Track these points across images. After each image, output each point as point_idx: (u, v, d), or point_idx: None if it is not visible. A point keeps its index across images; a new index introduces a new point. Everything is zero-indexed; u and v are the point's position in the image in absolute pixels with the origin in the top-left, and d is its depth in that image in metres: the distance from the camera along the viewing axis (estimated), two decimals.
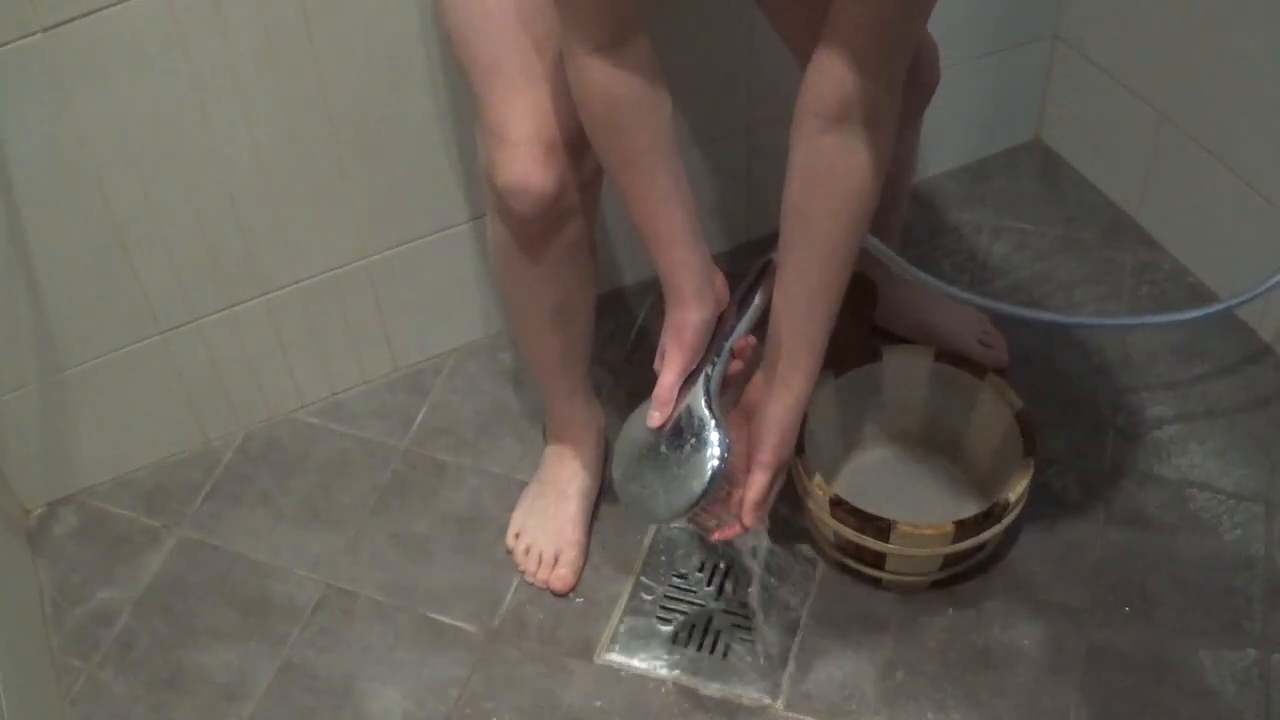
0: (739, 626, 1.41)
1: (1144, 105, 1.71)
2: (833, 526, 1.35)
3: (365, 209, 1.52)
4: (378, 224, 1.55)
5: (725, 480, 1.15)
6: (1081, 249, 1.77)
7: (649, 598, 1.44)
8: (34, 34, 1.23)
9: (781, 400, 1.18)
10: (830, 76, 1.00)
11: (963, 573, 1.40)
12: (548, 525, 1.46)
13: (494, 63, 1.14)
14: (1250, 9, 1.49)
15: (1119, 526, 1.45)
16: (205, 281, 1.49)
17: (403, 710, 1.36)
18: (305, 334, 1.60)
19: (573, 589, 1.45)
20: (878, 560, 1.36)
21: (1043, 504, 1.47)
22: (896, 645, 1.37)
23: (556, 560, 1.45)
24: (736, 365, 1.18)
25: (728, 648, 1.39)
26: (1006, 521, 1.34)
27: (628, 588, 1.45)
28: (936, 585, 1.41)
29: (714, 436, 1.12)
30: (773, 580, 1.44)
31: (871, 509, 1.33)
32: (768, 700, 1.34)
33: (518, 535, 1.48)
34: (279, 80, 1.37)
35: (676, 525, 1.16)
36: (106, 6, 1.24)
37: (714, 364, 1.16)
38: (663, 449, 1.15)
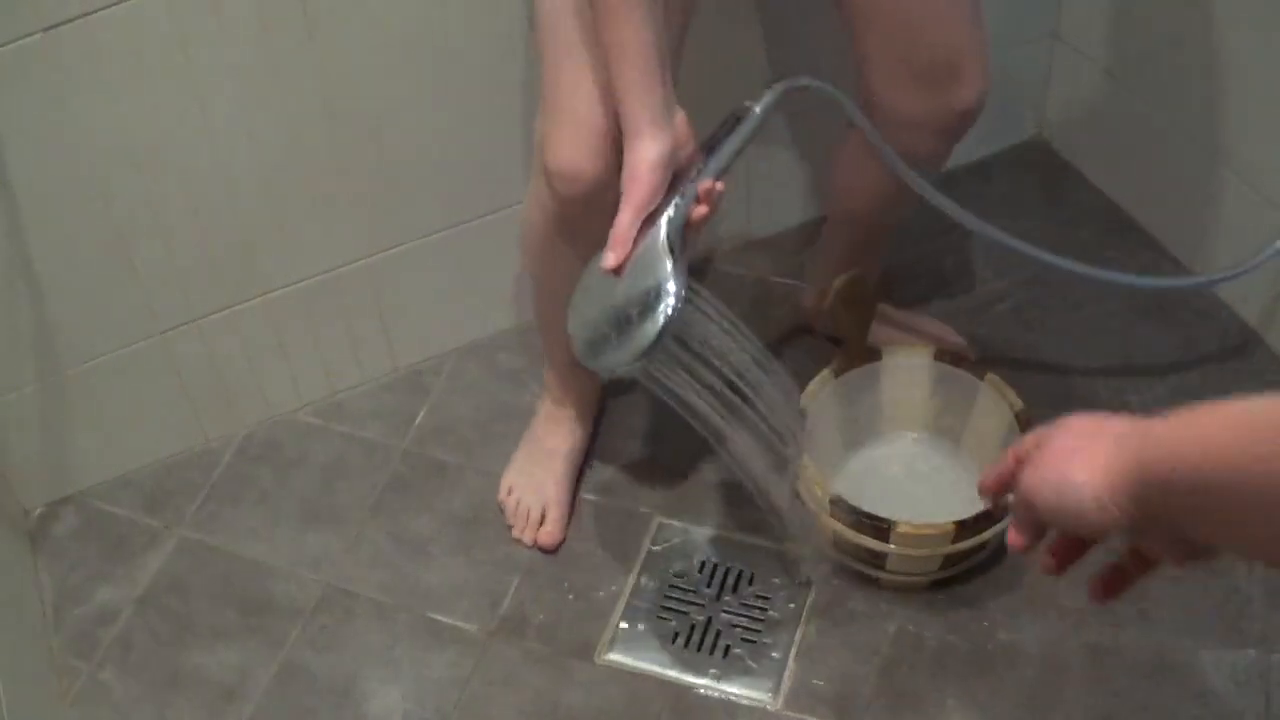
0: (739, 626, 1.41)
1: (1144, 105, 1.71)
2: (833, 526, 1.35)
3: (365, 209, 1.52)
4: (378, 224, 1.55)
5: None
6: (1081, 249, 1.77)
7: (649, 598, 1.44)
8: (34, 34, 1.23)
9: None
10: None
11: (963, 573, 1.40)
12: (535, 483, 1.51)
13: (568, 42, 1.13)
14: (1250, 9, 1.49)
15: None
16: (205, 281, 1.49)
17: (403, 710, 1.36)
18: (305, 334, 1.60)
19: (560, 544, 1.48)
20: (878, 560, 1.36)
21: None
22: (896, 645, 1.37)
23: (544, 518, 1.49)
24: (701, 210, 1.09)
25: (728, 648, 1.39)
26: (1006, 521, 1.33)
27: (628, 588, 1.45)
28: (936, 585, 1.41)
29: (670, 279, 1.04)
30: (773, 580, 1.44)
31: (871, 509, 1.33)
32: (768, 700, 1.34)
33: (509, 492, 1.52)
34: (279, 80, 1.37)
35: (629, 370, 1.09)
36: (106, 6, 1.24)
37: (676, 205, 1.08)
38: (618, 293, 1.07)
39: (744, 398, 1.19)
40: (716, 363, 1.15)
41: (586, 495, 1.54)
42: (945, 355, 1.47)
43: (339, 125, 1.43)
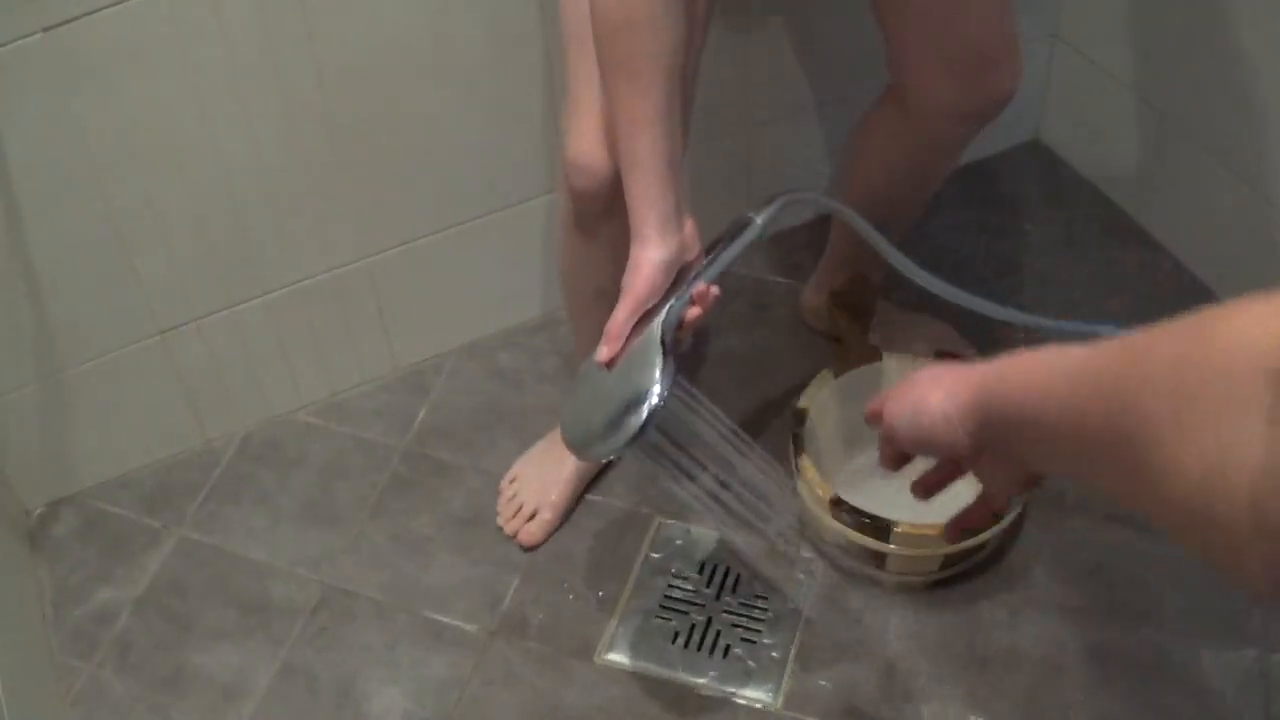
0: (739, 626, 1.41)
1: (1144, 105, 1.71)
2: (833, 526, 1.35)
3: (365, 209, 1.52)
4: (378, 224, 1.55)
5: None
6: (1081, 249, 1.77)
7: (649, 598, 1.44)
8: (34, 34, 1.23)
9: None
10: None
11: (963, 573, 1.40)
12: (539, 481, 1.51)
13: (582, 41, 1.16)
14: (1251, 9, 1.49)
15: (1119, 526, 1.45)
16: (205, 281, 1.49)
17: (403, 710, 1.36)
18: (305, 334, 1.60)
19: (538, 546, 1.49)
20: (878, 560, 1.36)
21: (1043, 504, 1.47)
22: (896, 645, 1.37)
23: (533, 516, 1.49)
24: (694, 311, 1.13)
25: (727, 648, 1.39)
26: (1006, 521, 1.34)
27: (628, 588, 1.45)
28: (936, 585, 1.41)
29: (656, 377, 1.08)
30: (772, 580, 1.44)
31: (871, 509, 1.33)
32: (768, 700, 1.34)
33: (512, 480, 1.53)
34: (279, 80, 1.37)
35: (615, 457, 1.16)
36: (106, 6, 1.24)
37: (671, 306, 1.12)
38: (609, 386, 1.11)
39: (722, 481, 1.26)
40: (696, 452, 1.21)
41: (586, 495, 1.54)
42: (945, 355, 1.47)
43: (339, 125, 1.43)
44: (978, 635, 1.37)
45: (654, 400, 1.08)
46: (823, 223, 1.63)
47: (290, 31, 1.34)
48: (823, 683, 1.35)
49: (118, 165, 1.35)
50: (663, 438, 1.14)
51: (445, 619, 1.44)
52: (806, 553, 1.44)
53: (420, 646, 1.41)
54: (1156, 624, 1.37)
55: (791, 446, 1.40)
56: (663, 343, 1.10)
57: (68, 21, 1.23)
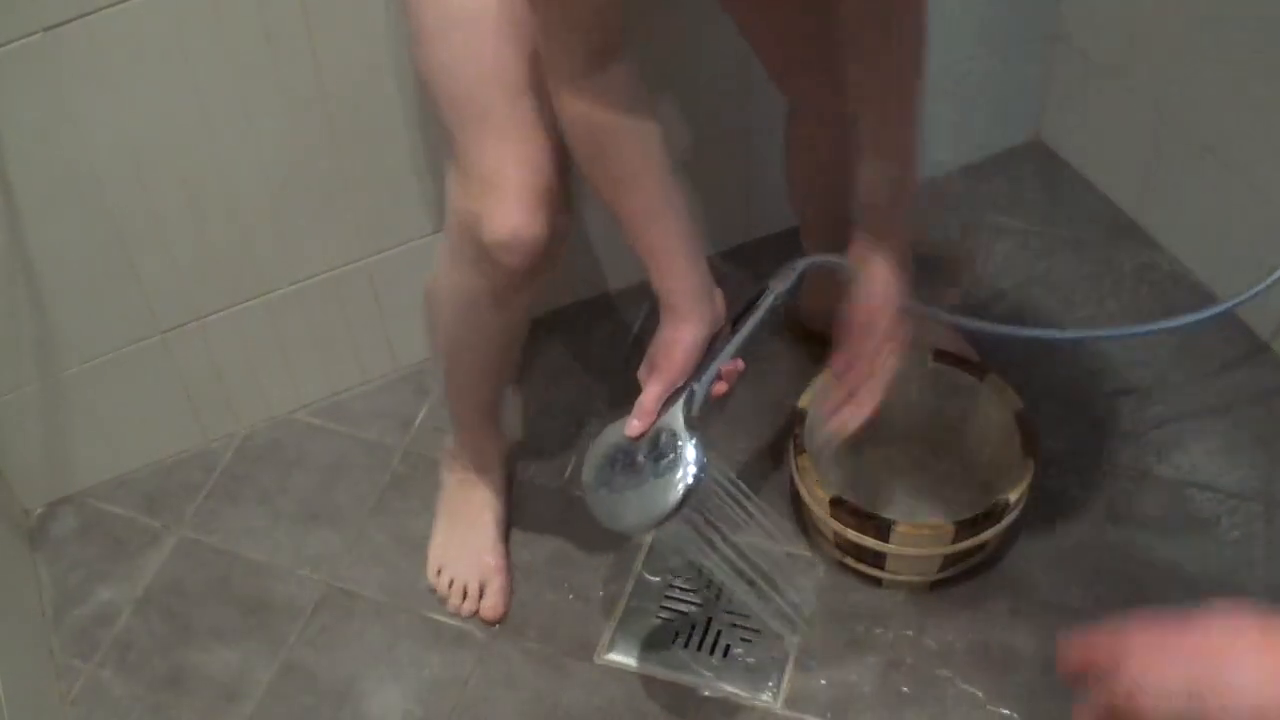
0: (739, 626, 1.41)
1: (1144, 105, 1.71)
2: (833, 526, 1.35)
3: (365, 209, 1.52)
4: (378, 224, 1.55)
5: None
6: (1081, 249, 1.77)
7: (649, 598, 1.44)
8: (34, 34, 1.23)
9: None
10: None
11: (963, 573, 1.40)
12: (467, 557, 1.45)
13: (481, 110, 1.11)
14: (1249, 9, 1.49)
15: (1119, 526, 1.45)
16: (205, 281, 1.49)
17: (403, 710, 1.36)
18: (305, 334, 1.60)
19: (504, 616, 1.43)
20: (878, 560, 1.36)
21: (1043, 504, 1.47)
22: (896, 645, 1.37)
23: (483, 591, 1.43)
24: (721, 387, 1.16)
25: (727, 648, 1.39)
26: (1006, 521, 1.34)
27: (628, 588, 1.45)
28: (936, 585, 1.41)
29: (689, 455, 1.10)
30: (772, 580, 1.44)
31: (871, 509, 1.33)
32: (768, 700, 1.34)
33: (439, 571, 1.46)
34: (279, 80, 1.37)
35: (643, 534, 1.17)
36: (106, 6, 1.24)
37: (700, 382, 1.14)
38: (639, 459, 1.13)
39: (742, 552, 1.27)
40: (720, 525, 1.22)
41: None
42: (945, 355, 1.47)
43: (339, 125, 1.43)
44: (978, 635, 1.37)
45: (689, 480, 1.10)
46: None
47: (290, 31, 1.34)
48: (823, 682, 1.35)
49: (118, 165, 1.35)
50: (693, 513, 1.15)
51: (445, 619, 1.44)
52: (807, 608, 1.42)
53: (420, 646, 1.41)
54: None
55: (791, 446, 1.40)
56: (691, 420, 1.12)
57: (68, 21, 1.23)
